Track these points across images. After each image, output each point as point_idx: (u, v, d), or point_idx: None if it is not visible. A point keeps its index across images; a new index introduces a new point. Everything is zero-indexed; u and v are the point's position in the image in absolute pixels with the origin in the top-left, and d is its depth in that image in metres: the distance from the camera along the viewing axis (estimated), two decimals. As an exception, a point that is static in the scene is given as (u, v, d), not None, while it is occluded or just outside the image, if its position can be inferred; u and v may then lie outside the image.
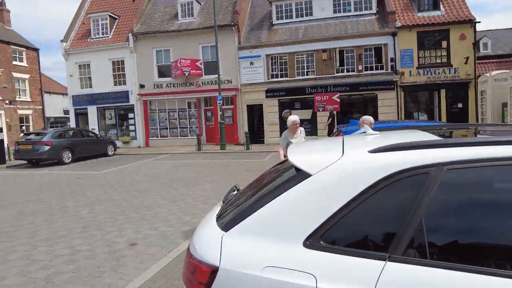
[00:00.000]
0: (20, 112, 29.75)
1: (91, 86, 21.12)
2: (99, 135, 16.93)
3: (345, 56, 18.39)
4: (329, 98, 18.06)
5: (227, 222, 1.68)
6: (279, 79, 18.79)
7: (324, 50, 18.34)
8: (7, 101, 28.59)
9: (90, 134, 15.98)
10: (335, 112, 16.72)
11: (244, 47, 18.95)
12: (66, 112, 34.89)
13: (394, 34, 17.72)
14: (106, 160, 15.11)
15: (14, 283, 3.64)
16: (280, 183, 1.77)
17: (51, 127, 33.25)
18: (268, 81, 18.81)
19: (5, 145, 14.36)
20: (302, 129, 6.12)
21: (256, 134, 19.40)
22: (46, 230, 5.33)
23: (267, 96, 18.79)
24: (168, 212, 6.18)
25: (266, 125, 19.11)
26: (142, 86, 20.18)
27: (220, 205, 2.18)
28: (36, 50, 31.92)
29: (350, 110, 18.88)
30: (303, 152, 2.00)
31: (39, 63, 32.08)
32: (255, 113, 20.11)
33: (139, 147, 20.36)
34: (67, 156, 13.82)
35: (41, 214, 6.29)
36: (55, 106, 33.89)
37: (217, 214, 1.92)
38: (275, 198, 1.56)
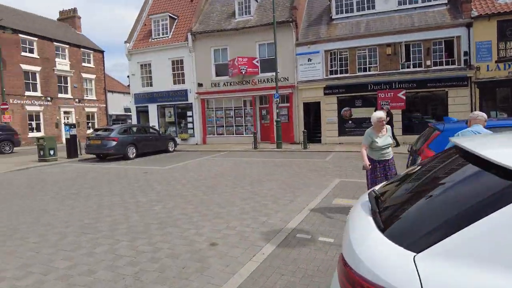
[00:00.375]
0: (87, 109, 32.05)
1: (151, 85, 21.95)
2: (160, 132, 17.44)
3: (411, 51, 17.09)
4: (394, 95, 16.96)
5: (415, 239, 1.27)
6: (339, 75, 17.99)
7: (388, 45, 17.20)
8: (76, 100, 30.93)
9: (153, 130, 16.53)
10: (392, 111, 15.68)
11: (301, 44, 18.43)
12: (127, 110, 36.94)
13: (468, 25, 16.08)
14: (167, 156, 15.51)
15: (104, 277, 3.57)
16: (483, 190, 1.33)
17: (113, 124, 35.39)
18: (326, 77, 18.11)
19: (77, 140, 15.31)
20: (388, 127, 5.55)
21: (312, 133, 18.80)
22: (125, 224, 5.34)
23: (325, 94, 18.09)
24: (240, 210, 5.95)
25: (323, 123, 18.43)
26: (200, 85, 20.53)
27: (363, 208, 1.78)
28: (101, 52, 34.16)
29: (416, 109, 17.55)
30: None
31: (103, 64, 34.31)
32: (312, 111, 19.51)
33: (196, 144, 20.75)
34: (131, 151, 14.37)
35: (117, 207, 6.39)
36: (117, 104, 36.02)
37: (376, 223, 1.52)
38: (495, 212, 1.14)
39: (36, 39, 27.20)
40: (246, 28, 19.23)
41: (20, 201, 7.15)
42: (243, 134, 20.05)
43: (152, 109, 21.94)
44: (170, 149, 17.07)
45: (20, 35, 26.03)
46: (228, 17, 20.72)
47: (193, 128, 21.17)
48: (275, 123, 17.23)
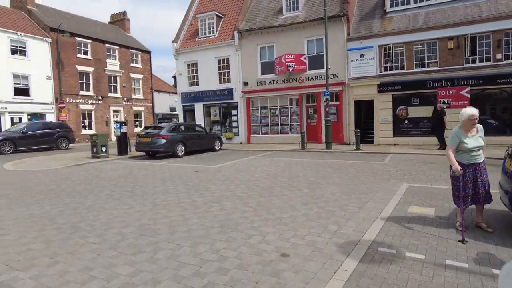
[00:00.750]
0: (134, 108, 33.16)
1: (197, 84, 22.05)
2: (208, 131, 17.37)
3: (477, 44, 15.51)
4: (456, 93, 15.53)
5: None
6: (394, 71, 16.81)
7: (450, 38, 15.76)
8: (125, 99, 32.10)
9: (200, 129, 16.47)
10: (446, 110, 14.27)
11: (353, 38, 17.46)
12: (172, 109, 37.84)
13: (548, 13, 14.28)
14: (214, 154, 15.34)
15: (172, 291, 3.19)
16: None
17: (159, 122, 36.37)
18: (380, 74, 17.00)
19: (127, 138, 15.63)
20: (480, 126, 4.74)
21: (363, 133, 17.74)
22: (184, 227, 5.00)
23: (379, 91, 16.99)
24: (305, 216, 5.40)
25: (376, 123, 17.33)
26: (245, 84, 20.25)
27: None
28: (148, 52, 35.21)
29: (483, 108, 15.91)
30: None
31: (150, 64, 35.34)
32: (363, 110, 18.47)
33: (241, 143, 20.51)
34: (180, 149, 14.36)
35: (173, 207, 6.11)
36: (163, 103, 36.98)
37: None
38: None
39: (90, 41, 28.55)
40: (294, 24, 18.61)
41: (79, 197, 7.14)
42: (288, 134, 19.48)
43: (198, 108, 22.04)
44: (216, 148, 16.93)
45: (77, 38, 27.44)
46: (275, 13, 20.24)
47: (237, 127, 20.95)
48: (324, 123, 16.46)
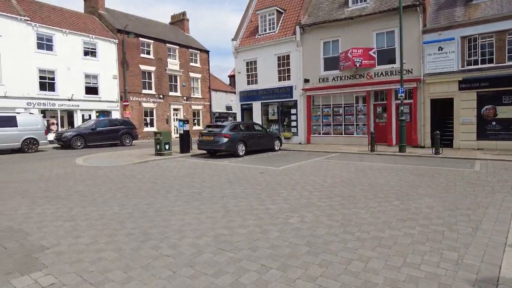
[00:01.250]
0: (193, 107, 33.80)
1: (256, 82, 21.58)
2: (268, 130, 16.77)
3: None
4: (562, 89, 13.13)
5: None
6: (480, 66, 14.76)
7: (554, 25, 13.39)
8: (184, 98, 32.83)
9: (260, 128, 15.90)
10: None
11: (430, 30, 15.67)
12: (228, 108, 38.09)
13: None
14: (275, 155, 14.66)
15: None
16: None
17: (216, 121, 36.77)
18: (463, 69, 15.04)
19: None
20: None
21: (440, 136, 15.87)
22: (265, 242, 4.32)
23: (460, 88, 15.05)
24: (407, 237, 4.42)
25: (456, 124, 15.40)
26: (306, 81, 19.32)
27: None
28: (206, 52, 35.69)
29: None
30: None
31: (208, 63, 35.80)
32: (439, 109, 16.54)
33: (300, 143, 19.62)
34: (241, 148, 13.90)
35: (247, 215, 5.48)
36: (219, 102, 37.33)
37: None
38: None
39: (152, 41, 29.55)
40: (362, 16, 17.25)
41: (147, 197, 6.84)
42: (353, 134, 18.17)
43: (256, 106, 21.56)
44: (276, 148, 16.25)
45: (140, 38, 28.54)
46: (340, 6, 19.00)
47: (296, 127, 20.08)
48: (398, 123, 14.97)
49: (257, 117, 21.54)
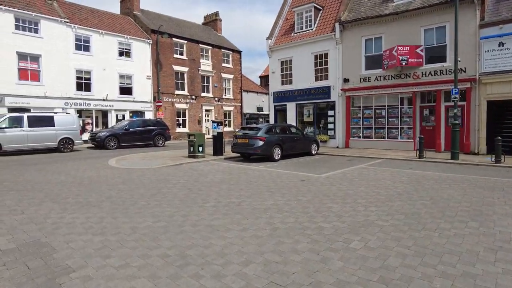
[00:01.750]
0: (224, 108, 33.45)
1: (291, 83, 20.74)
2: (304, 132, 15.89)
3: None
4: None
5: None
6: (549, 64, 13.10)
7: None
8: (216, 99, 32.54)
9: (296, 131, 15.04)
10: None
11: (489, 24, 14.14)
12: (259, 109, 37.47)
13: None
14: (312, 160, 13.76)
15: None
16: None
17: (246, 123, 36.26)
18: (528, 67, 13.43)
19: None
20: None
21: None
22: (327, 275, 3.50)
23: (525, 89, 13.44)
24: (509, 275, 3.45)
25: (518, 129, 13.78)
26: (346, 81, 18.23)
27: None
28: (239, 52, 35.24)
29: None
30: None
31: (240, 64, 35.33)
32: (497, 112, 14.92)
33: (337, 147, 18.55)
34: (277, 152, 13.12)
35: (298, 236, 4.68)
36: (250, 103, 36.77)
37: None
38: None
39: (185, 42, 29.46)
40: (409, 11, 15.96)
41: (183, 207, 6.23)
42: (397, 139, 16.87)
43: (290, 107, 20.71)
44: (313, 152, 15.32)
45: (174, 39, 28.51)
46: (383, 1, 17.76)
47: (334, 129, 19.02)
48: (448, 127, 13.63)
49: (291, 119, 20.68)
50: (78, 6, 25.19)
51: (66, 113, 18.15)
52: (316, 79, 19.60)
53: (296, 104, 20.46)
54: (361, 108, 18.01)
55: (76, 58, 22.39)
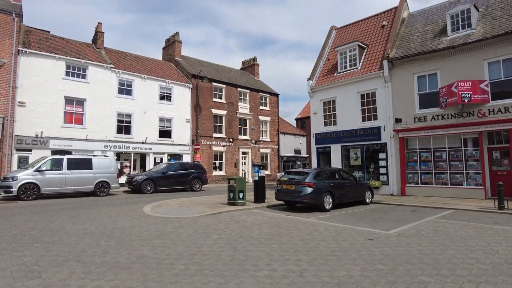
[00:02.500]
0: (261, 150, 32.54)
1: (335, 123, 19.50)
2: (357, 178, 14.28)
3: None
4: None
5: None
6: None
7: None
8: (253, 141, 31.82)
9: (347, 175, 13.49)
10: None
11: None
12: (296, 151, 36.22)
13: None
14: (369, 210, 12.02)
15: None
16: None
17: (284, 166, 34.96)
18: None
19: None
20: None
21: None
22: None
23: None
24: None
25: None
26: (398, 121, 16.70)
27: None
28: (276, 95, 34.95)
29: None
30: None
31: (277, 107, 34.86)
32: None
33: (391, 194, 16.59)
34: (327, 201, 11.57)
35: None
36: (287, 145, 35.69)
37: None
38: None
39: (224, 86, 29.61)
40: (469, 44, 14.58)
41: (229, 276, 4.88)
42: (462, 185, 14.72)
43: (335, 150, 19.27)
44: (367, 201, 13.58)
45: (213, 83, 28.75)
46: (435, 36, 16.58)
47: (386, 174, 17.18)
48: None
49: (336, 162, 19.15)
50: (123, 53, 26.31)
51: (104, 155, 17.92)
52: (364, 119, 18.24)
53: (341, 146, 19.01)
54: (417, 150, 16.19)
55: (118, 101, 22.81)
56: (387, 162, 17.15)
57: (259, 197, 13.18)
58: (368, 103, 18.15)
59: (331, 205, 11.69)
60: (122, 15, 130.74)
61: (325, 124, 20.02)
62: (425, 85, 16.14)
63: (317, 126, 20.36)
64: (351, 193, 12.84)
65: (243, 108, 31.13)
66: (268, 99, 33.77)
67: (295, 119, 48.46)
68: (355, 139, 18.40)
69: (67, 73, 20.92)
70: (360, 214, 11.11)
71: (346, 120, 18.83)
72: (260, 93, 33.01)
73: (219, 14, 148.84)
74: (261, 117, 32.68)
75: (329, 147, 19.58)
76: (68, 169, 15.66)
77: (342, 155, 19.03)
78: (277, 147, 34.14)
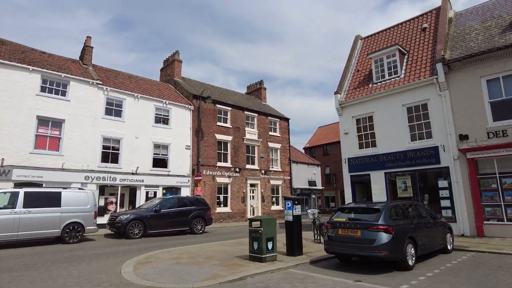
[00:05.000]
0: (272, 182, 28.29)
1: (374, 145, 15.57)
2: (435, 216, 10.08)
3: None
4: None
5: None
6: None
7: None
8: (262, 171, 27.66)
9: (424, 210, 9.26)
10: None
11: None
12: (311, 183, 31.92)
13: None
14: (463, 265, 7.74)
15: None
16: None
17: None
18: None
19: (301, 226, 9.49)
20: None
21: None
22: None
23: None
24: None
25: None
26: (463, 138, 12.79)
27: None
28: (287, 120, 31.34)
29: None
30: None
31: (288, 133, 31.12)
32: None
33: (462, 235, 12.29)
34: (410, 253, 7.35)
35: None
36: (300, 176, 31.42)
37: None
38: None
39: (229, 108, 26.03)
40: None
41: None
42: None
43: (377, 178, 15.16)
44: (449, 247, 9.35)
45: (217, 105, 25.20)
46: (502, 31, 13.13)
47: (451, 208, 13.00)
48: None
49: (378, 194, 14.98)
50: (115, 71, 22.87)
51: (79, 188, 13.68)
52: (413, 138, 14.34)
53: (384, 173, 14.94)
54: (496, 175, 12.11)
55: (104, 124, 18.95)
56: (450, 191, 13.02)
57: (295, 246, 8.90)
58: (418, 117, 14.34)
59: (414, 258, 7.44)
60: (127, 54, 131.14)
61: (361, 146, 16.07)
62: (499, 90, 12.39)
63: (350, 149, 16.40)
64: (435, 238, 8.63)
65: (251, 133, 27.31)
66: (278, 124, 30.07)
67: (304, 148, 44.66)
68: (403, 163, 14.38)
69: (43, 89, 17.22)
70: (455, 271, 6.88)
71: (389, 140, 14.92)
72: (269, 117, 29.35)
73: (220, 53, 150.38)
74: (270, 144, 28.77)
75: (368, 174, 15.49)
76: (25, 206, 11.45)
77: (387, 185, 14.89)
78: (289, 178, 29.92)
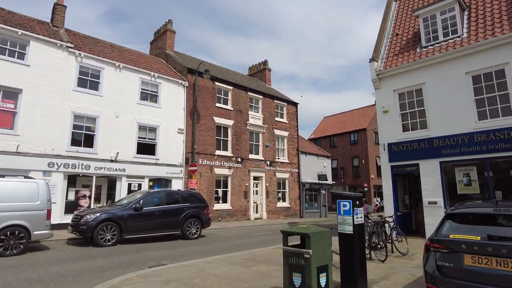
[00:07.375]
0: (278, 175, 24.64)
1: (425, 126, 11.94)
2: None
3: None
4: None
5: None
6: None
7: None
8: (267, 162, 23.99)
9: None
10: None
11: None
12: (321, 177, 28.27)
13: None
14: None
15: None
16: None
17: (305, 195, 26.97)
18: None
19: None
20: None
21: None
22: None
23: None
24: None
25: None
26: None
27: None
28: (295, 104, 27.64)
29: None
30: None
31: (297, 119, 27.41)
32: None
33: None
34: None
35: None
36: (309, 169, 27.73)
37: None
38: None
39: (231, 88, 22.25)
40: None
41: None
42: None
43: (429, 169, 11.55)
44: None
45: (217, 83, 21.40)
46: None
47: (542, 211, 9.41)
48: None
49: (432, 190, 11.37)
50: (94, 39, 18.91)
51: (25, 177, 9.85)
52: (483, 116, 10.73)
53: (440, 162, 11.32)
54: None
55: (76, 98, 15.09)
56: (542, 189, 9.50)
57: (358, 275, 5.25)
58: (489, 88, 10.72)
59: None
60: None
61: (405, 129, 12.44)
62: None
63: (391, 132, 12.75)
64: None
65: (255, 118, 23.58)
66: (285, 109, 26.34)
67: (308, 139, 40.99)
68: (467, 149, 10.78)
69: (-6, 49, 13.35)
70: None
71: (446, 119, 11.31)
72: (275, 101, 25.60)
73: (216, 47, 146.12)
74: (277, 131, 25.07)
75: (416, 164, 11.88)
76: None
77: (443, 177, 11.28)
78: (297, 170, 26.28)
